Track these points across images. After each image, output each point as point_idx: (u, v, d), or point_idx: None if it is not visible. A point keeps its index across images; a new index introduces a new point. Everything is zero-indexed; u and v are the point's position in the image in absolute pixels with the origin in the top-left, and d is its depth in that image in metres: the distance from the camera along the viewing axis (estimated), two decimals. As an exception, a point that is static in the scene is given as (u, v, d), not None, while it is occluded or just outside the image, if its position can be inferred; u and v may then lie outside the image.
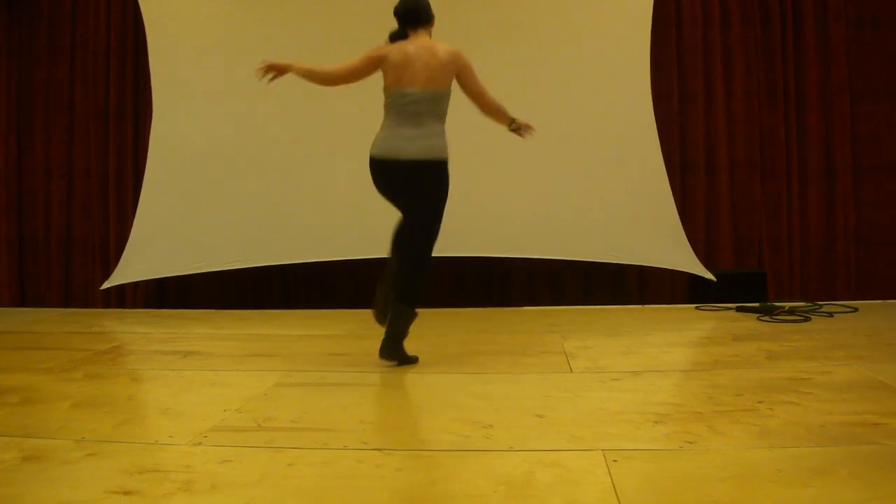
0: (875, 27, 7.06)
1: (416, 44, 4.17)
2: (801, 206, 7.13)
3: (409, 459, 2.62)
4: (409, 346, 4.22)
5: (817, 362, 4.06)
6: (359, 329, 5.58)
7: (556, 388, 3.64)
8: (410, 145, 4.08)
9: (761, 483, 2.30)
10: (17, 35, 7.74)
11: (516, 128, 4.41)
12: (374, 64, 4.17)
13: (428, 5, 4.29)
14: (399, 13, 4.27)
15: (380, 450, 2.67)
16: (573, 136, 6.64)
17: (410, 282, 4.15)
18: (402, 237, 4.25)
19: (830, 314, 5.80)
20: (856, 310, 5.97)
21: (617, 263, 6.80)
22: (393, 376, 4.02)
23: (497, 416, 3.11)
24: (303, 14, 7.00)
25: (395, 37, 4.28)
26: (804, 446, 2.63)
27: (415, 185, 4.13)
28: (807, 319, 5.56)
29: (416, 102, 4.09)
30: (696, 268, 6.63)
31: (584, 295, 7.10)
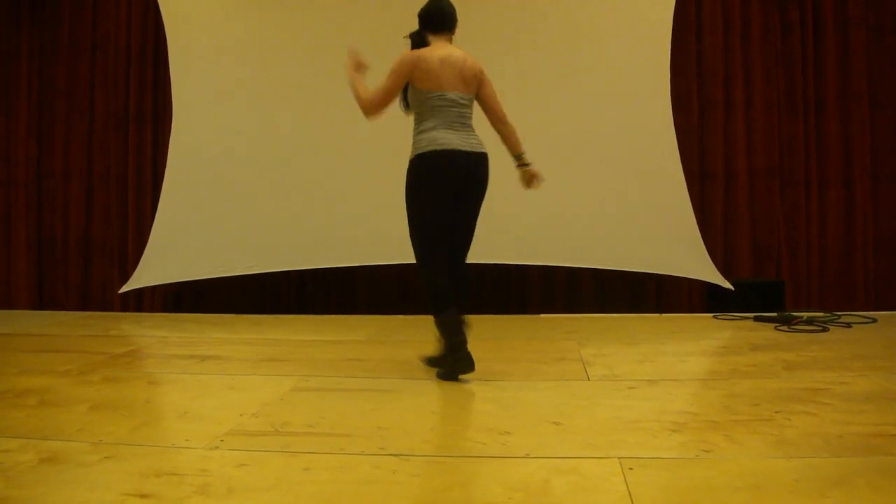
0: (896, 34, 7.03)
1: (445, 51, 4.13)
2: (819, 215, 7.11)
3: (425, 465, 2.62)
4: (428, 352, 4.25)
5: (835, 373, 4.03)
6: (376, 335, 5.60)
7: (573, 396, 3.63)
8: (471, 140, 4.09)
9: (778, 493, 2.29)
10: (39, 38, 7.81)
11: (523, 171, 4.30)
12: (405, 77, 4.09)
13: (454, 11, 4.25)
14: (425, 17, 4.24)
15: (396, 455, 2.67)
16: (592, 144, 6.65)
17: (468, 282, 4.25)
18: (452, 251, 4.20)
19: (849, 325, 5.76)
20: (875, 320, 5.93)
21: (634, 272, 6.78)
22: (410, 382, 4.02)
23: (514, 423, 3.11)
24: (323, 17, 7.02)
25: (416, 38, 4.24)
26: (822, 457, 2.62)
27: (478, 177, 4.11)
28: (825, 330, 5.53)
29: (459, 106, 4.10)
30: (714, 277, 6.61)
31: (601, 303, 7.09)
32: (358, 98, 4.16)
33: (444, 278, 4.05)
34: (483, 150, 4.10)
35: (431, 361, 4.22)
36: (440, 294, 4.01)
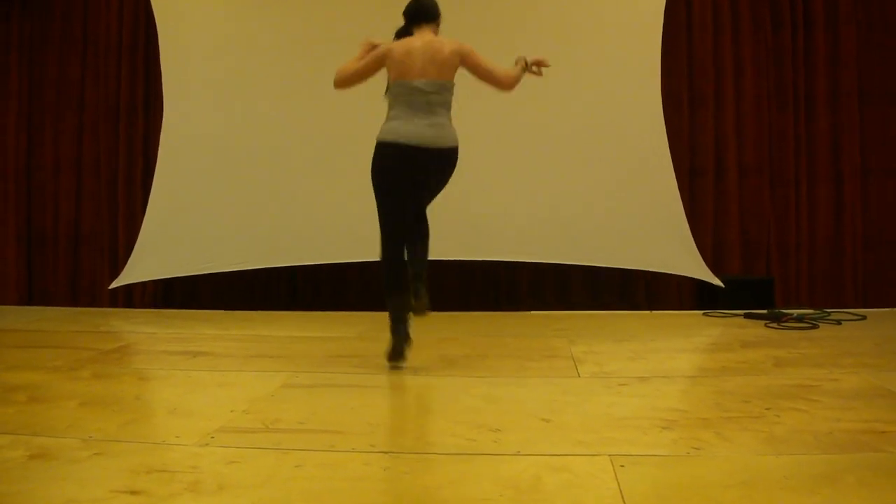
0: (886, 31, 7.04)
1: (421, 39, 4.23)
2: (809, 212, 7.12)
3: (416, 462, 2.62)
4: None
5: (825, 370, 4.04)
6: (367, 331, 5.59)
7: (564, 393, 3.63)
8: (430, 133, 4.11)
9: (769, 490, 2.29)
10: (29, 30, 7.77)
11: (529, 69, 4.40)
12: (378, 63, 4.22)
13: (434, 3, 4.36)
14: (406, 13, 4.37)
15: (387, 452, 2.67)
16: (582, 140, 6.65)
17: (426, 259, 4.32)
18: (413, 230, 4.30)
19: (839, 322, 5.78)
20: (864, 317, 5.95)
21: (625, 269, 6.79)
22: (400, 379, 4.02)
23: (504, 420, 3.11)
24: (315, 10, 7.02)
25: (401, 34, 4.35)
26: (811, 453, 2.62)
27: (434, 171, 4.20)
28: (815, 327, 5.55)
29: (427, 94, 4.12)
30: (704, 274, 6.63)
31: (592, 300, 7.09)
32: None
33: (398, 262, 4.23)
34: (443, 145, 4.15)
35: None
36: (389, 276, 4.21)
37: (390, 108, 4.21)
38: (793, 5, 7.10)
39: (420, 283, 4.24)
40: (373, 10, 6.66)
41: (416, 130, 4.09)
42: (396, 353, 4.15)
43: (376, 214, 4.22)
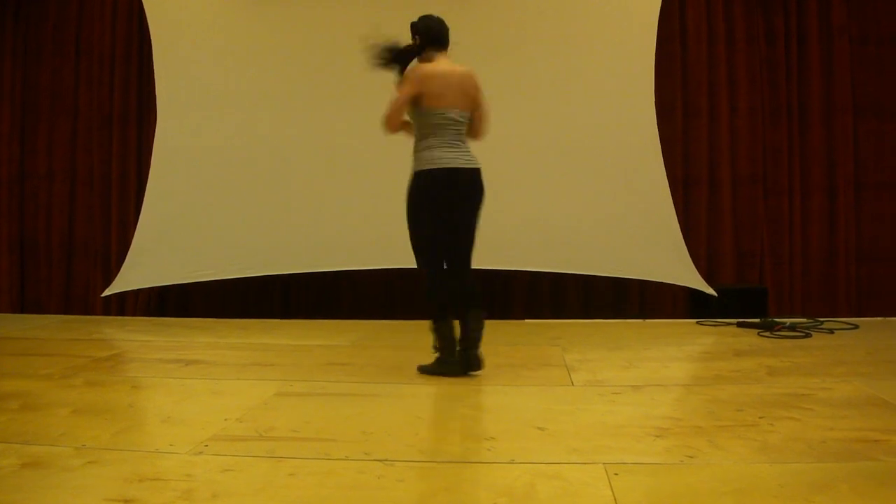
0: (879, 44, 7.08)
1: (448, 66, 4.24)
2: (802, 222, 7.15)
3: (410, 470, 2.62)
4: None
5: (818, 378, 4.05)
6: (360, 339, 5.59)
7: (557, 401, 3.64)
8: (468, 157, 4.20)
9: (762, 498, 2.29)
10: (23, 38, 7.77)
11: None
12: (418, 89, 4.13)
13: (447, 27, 4.34)
14: (428, 32, 4.30)
15: (381, 460, 2.67)
16: (577, 150, 6.67)
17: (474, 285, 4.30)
18: (454, 258, 4.28)
19: (831, 331, 5.79)
20: (856, 327, 5.96)
21: (618, 277, 6.80)
22: (394, 387, 4.02)
23: (498, 429, 3.11)
24: (308, 20, 7.04)
25: (417, 50, 4.30)
26: (805, 462, 2.63)
27: (475, 189, 4.21)
28: (808, 336, 5.56)
29: (457, 123, 4.19)
30: (698, 283, 6.64)
31: (586, 308, 7.10)
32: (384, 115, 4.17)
33: (442, 290, 4.22)
34: (478, 166, 4.22)
35: (424, 369, 4.26)
36: (437, 304, 4.21)
37: (424, 136, 4.19)
38: (787, 18, 7.14)
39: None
40: (366, 18, 6.68)
41: (458, 156, 4.16)
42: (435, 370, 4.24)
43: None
